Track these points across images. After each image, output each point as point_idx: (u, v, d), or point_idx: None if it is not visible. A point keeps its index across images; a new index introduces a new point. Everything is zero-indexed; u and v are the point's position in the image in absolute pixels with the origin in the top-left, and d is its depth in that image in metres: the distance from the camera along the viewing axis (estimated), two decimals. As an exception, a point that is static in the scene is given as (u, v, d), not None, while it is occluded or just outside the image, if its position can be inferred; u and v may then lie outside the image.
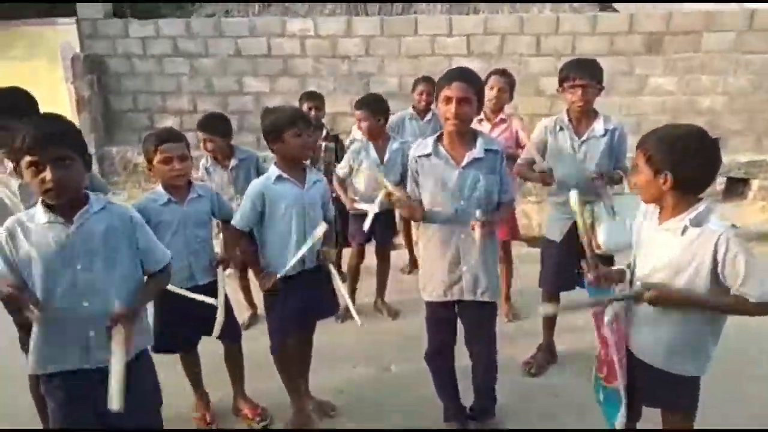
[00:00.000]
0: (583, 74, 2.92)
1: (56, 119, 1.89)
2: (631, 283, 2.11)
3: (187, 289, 2.67)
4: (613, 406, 2.16)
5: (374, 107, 3.76)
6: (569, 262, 3.05)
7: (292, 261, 2.63)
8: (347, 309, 3.93)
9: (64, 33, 6.76)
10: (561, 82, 3.02)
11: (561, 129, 3.07)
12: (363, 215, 3.83)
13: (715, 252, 1.80)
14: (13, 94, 2.42)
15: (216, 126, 3.57)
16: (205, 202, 2.78)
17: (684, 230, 1.87)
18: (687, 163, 1.83)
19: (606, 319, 2.04)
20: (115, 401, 1.80)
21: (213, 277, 2.78)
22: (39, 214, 1.86)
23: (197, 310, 2.65)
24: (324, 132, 4.32)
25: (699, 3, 6.50)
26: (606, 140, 3.00)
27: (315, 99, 4.36)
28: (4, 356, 3.02)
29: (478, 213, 2.41)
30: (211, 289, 2.74)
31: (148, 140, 2.66)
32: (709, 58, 6.25)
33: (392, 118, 4.61)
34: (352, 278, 4.10)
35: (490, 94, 3.74)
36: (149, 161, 2.66)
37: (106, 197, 2.04)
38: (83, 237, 1.88)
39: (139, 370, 2.08)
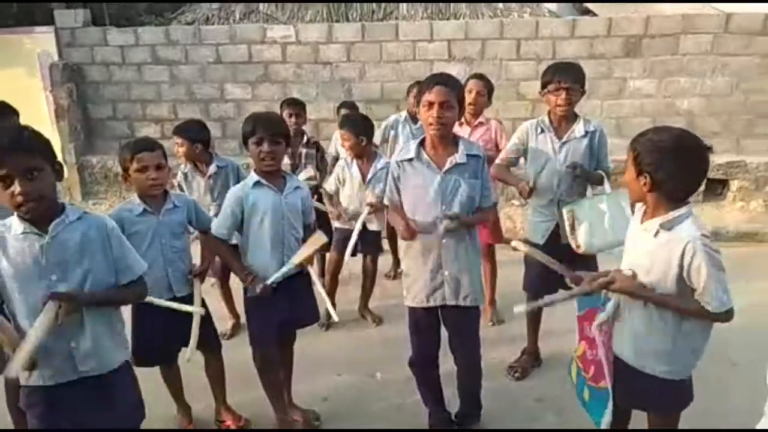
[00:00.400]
0: (567, 78, 2.94)
1: (21, 129, 1.84)
2: None
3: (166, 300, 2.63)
4: (599, 406, 2.16)
5: (357, 127, 3.74)
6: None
7: (284, 269, 2.61)
8: (329, 315, 3.95)
9: (42, 41, 6.69)
10: (544, 85, 3.03)
11: (542, 131, 3.08)
12: (345, 229, 3.83)
13: (681, 258, 1.83)
14: None
15: (187, 129, 3.53)
16: (181, 212, 2.74)
17: (657, 232, 1.90)
18: (666, 168, 1.85)
19: (596, 322, 2.05)
20: (12, 369, 1.72)
21: (191, 289, 2.75)
22: (15, 224, 1.83)
23: (175, 322, 2.62)
24: (305, 139, 4.31)
25: (676, 2, 6.60)
26: (586, 141, 3.02)
27: (295, 106, 4.34)
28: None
29: (458, 210, 2.44)
30: (190, 301, 2.71)
31: (124, 149, 2.63)
32: (687, 61, 6.34)
33: (386, 122, 4.62)
34: (330, 285, 4.06)
35: (468, 97, 3.74)
36: (125, 170, 2.63)
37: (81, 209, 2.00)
38: (58, 247, 1.85)
39: (120, 384, 2.05)
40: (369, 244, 3.95)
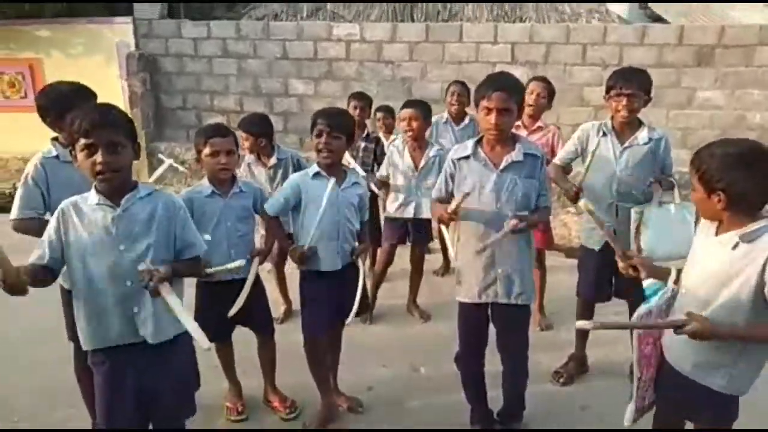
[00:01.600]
0: (631, 84, 2.90)
1: (111, 108, 2.00)
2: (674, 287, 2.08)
3: (226, 282, 2.74)
4: None
5: (254, 127, 3.66)
6: (607, 271, 3.03)
7: (314, 231, 2.66)
8: (371, 311, 4.01)
9: (120, 32, 7.04)
10: (608, 89, 3.00)
11: (604, 134, 3.05)
12: (397, 219, 3.89)
13: (763, 270, 1.76)
14: (78, 89, 2.57)
15: (253, 125, 3.65)
16: (248, 197, 2.87)
17: (735, 245, 1.82)
18: (740, 182, 1.77)
19: (636, 313, 2.00)
20: (204, 341, 1.97)
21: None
22: (92, 196, 1.98)
23: (232, 300, 2.73)
24: (365, 132, 4.38)
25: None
26: (649, 148, 2.97)
27: (361, 99, 4.46)
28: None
29: (513, 208, 2.47)
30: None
31: (199, 133, 2.79)
32: (762, 73, 6.08)
33: None
34: (378, 278, 4.15)
35: (529, 98, 3.72)
36: (198, 153, 2.78)
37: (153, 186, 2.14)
38: (128, 220, 1.98)
39: (177, 353, 2.17)
40: (419, 233, 3.99)
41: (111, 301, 2.00)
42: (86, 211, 1.97)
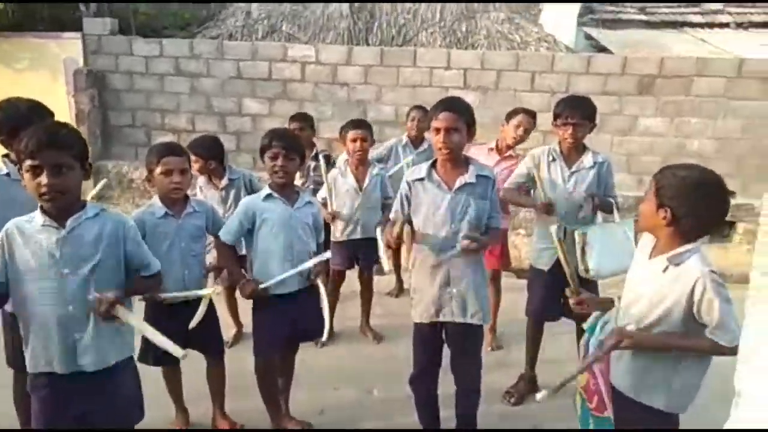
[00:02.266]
0: (576, 113, 3.04)
1: (61, 127, 1.95)
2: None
3: (173, 304, 2.68)
4: None
5: (206, 150, 3.58)
6: (556, 291, 3.10)
7: (281, 276, 2.66)
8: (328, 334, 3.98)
9: (69, 47, 6.85)
10: (555, 117, 3.13)
11: (553, 159, 3.17)
12: (343, 242, 3.87)
13: (692, 294, 1.84)
14: (34, 106, 2.50)
15: (202, 147, 3.56)
16: (200, 216, 2.82)
17: (665, 268, 1.92)
18: (688, 206, 1.86)
19: (591, 349, 2.07)
20: (177, 350, 2.02)
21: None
22: (37, 216, 1.92)
23: (183, 324, 2.65)
24: (313, 152, 4.38)
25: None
26: (594, 172, 3.12)
27: (301, 120, 4.37)
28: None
29: (466, 228, 2.51)
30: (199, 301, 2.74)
31: (152, 152, 2.72)
32: (699, 102, 6.40)
33: (384, 145, 4.71)
34: (331, 300, 4.10)
35: (515, 131, 3.82)
36: (150, 171, 2.71)
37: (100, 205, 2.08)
38: (72, 242, 1.93)
39: (119, 381, 2.11)
40: (366, 254, 3.99)
41: (53, 325, 1.94)
42: (31, 232, 1.92)
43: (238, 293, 3.84)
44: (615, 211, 3.14)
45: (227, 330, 3.84)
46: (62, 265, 1.92)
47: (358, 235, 3.90)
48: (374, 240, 3.63)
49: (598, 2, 9.38)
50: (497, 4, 8.10)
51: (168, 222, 2.70)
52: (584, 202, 3.08)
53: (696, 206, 1.87)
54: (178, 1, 8.31)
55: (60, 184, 1.85)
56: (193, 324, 2.61)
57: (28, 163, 1.83)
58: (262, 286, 2.67)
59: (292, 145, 2.73)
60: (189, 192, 2.85)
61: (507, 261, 4.18)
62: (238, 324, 4.03)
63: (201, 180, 3.70)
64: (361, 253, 3.99)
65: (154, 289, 2.32)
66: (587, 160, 3.12)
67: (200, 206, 2.87)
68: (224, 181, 3.66)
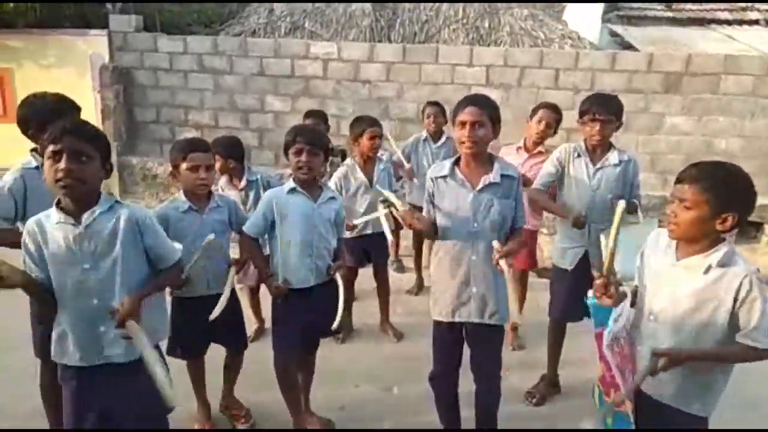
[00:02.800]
0: (603, 110, 3.00)
1: (86, 123, 1.97)
2: (632, 304, 2.10)
3: (201, 297, 2.72)
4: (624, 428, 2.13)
5: (227, 149, 3.60)
6: (579, 291, 3.05)
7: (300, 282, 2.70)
8: (348, 330, 3.99)
9: (95, 44, 6.94)
10: (582, 114, 3.09)
11: (578, 156, 3.13)
12: (354, 238, 3.86)
13: (738, 291, 1.81)
14: (62, 101, 2.53)
15: (224, 146, 3.58)
16: (223, 212, 2.85)
17: (708, 269, 1.86)
18: (749, 207, 1.84)
19: (605, 343, 2.03)
20: (167, 392, 1.92)
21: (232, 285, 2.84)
22: (53, 213, 1.94)
23: (208, 314, 2.66)
24: (329, 148, 4.39)
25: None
26: (620, 170, 3.07)
27: (316, 116, 4.50)
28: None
29: (496, 244, 2.42)
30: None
31: (178, 147, 2.75)
32: (727, 101, 6.28)
33: (407, 142, 4.77)
34: (349, 297, 4.13)
35: (537, 127, 3.79)
36: (175, 167, 2.73)
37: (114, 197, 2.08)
38: (90, 237, 1.94)
39: (146, 373, 2.12)
40: (378, 250, 4.01)
41: (77, 319, 1.97)
42: (49, 229, 1.94)
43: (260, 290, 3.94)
44: (639, 212, 3.09)
45: (249, 325, 3.88)
46: (82, 260, 1.94)
47: (369, 231, 3.91)
48: (383, 235, 3.62)
49: (623, 1, 9.25)
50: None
51: (191, 216, 2.74)
52: (608, 203, 3.03)
53: (751, 204, 1.84)
54: (200, 1, 8.38)
55: (78, 170, 1.85)
56: (215, 314, 2.62)
57: (50, 149, 1.84)
58: (280, 280, 2.70)
59: (316, 141, 2.73)
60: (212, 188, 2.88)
61: (535, 261, 4.15)
62: (260, 320, 4.06)
63: (222, 180, 3.72)
64: (372, 250, 4.00)
65: (175, 281, 2.31)
66: (613, 157, 3.07)
67: (223, 201, 2.90)
68: (243, 182, 3.68)
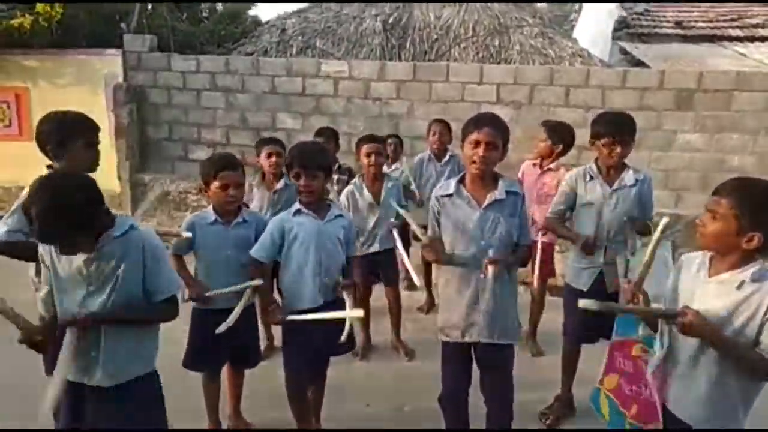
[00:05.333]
0: (623, 133, 2.96)
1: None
2: (655, 325, 2.08)
3: (221, 310, 2.67)
4: None
5: (382, 142, 3.91)
6: (595, 313, 3.01)
7: (309, 317, 2.64)
8: (365, 347, 3.98)
9: (110, 63, 7.05)
10: (597, 135, 3.02)
11: (591, 179, 3.09)
12: (363, 256, 3.85)
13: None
14: (82, 119, 2.56)
15: (280, 143, 3.85)
16: (250, 227, 2.86)
17: (741, 284, 1.85)
18: None
19: (649, 368, 2.00)
20: (47, 404, 1.87)
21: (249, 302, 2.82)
22: None
23: (229, 333, 2.64)
24: (336, 165, 4.42)
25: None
26: (636, 190, 3.02)
27: (324, 134, 4.54)
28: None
29: (490, 252, 2.43)
30: (246, 314, 2.75)
31: (208, 165, 2.77)
32: (740, 117, 6.24)
33: (413, 161, 4.79)
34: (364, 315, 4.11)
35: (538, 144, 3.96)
36: (206, 183, 2.76)
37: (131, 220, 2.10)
38: (99, 262, 1.96)
39: (137, 396, 2.10)
40: (387, 268, 4.01)
41: (71, 339, 1.97)
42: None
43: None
44: (653, 232, 3.06)
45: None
46: (89, 281, 1.97)
47: (376, 248, 3.89)
48: (392, 252, 3.59)
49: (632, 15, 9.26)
50: (530, 19, 8.07)
51: (216, 229, 2.77)
52: (623, 224, 3.00)
53: None
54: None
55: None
56: (223, 327, 2.58)
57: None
58: (289, 318, 2.66)
59: (313, 163, 2.71)
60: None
61: (552, 270, 4.19)
62: (270, 336, 4.04)
63: (255, 180, 3.76)
64: (381, 267, 3.98)
65: (167, 316, 2.17)
66: (628, 177, 3.02)
67: (252, 217, 2.92)
68: (280, 184, 3.75)
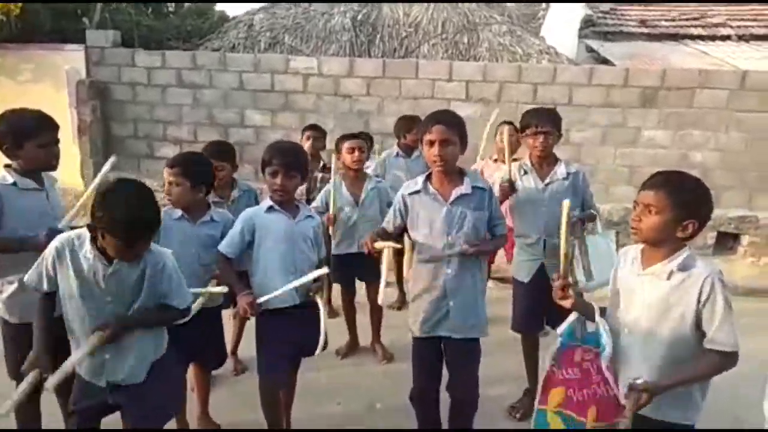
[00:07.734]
0: (545, 122, 3.06)
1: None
2: (593, 316, 2.12)
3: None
4: None
5: (365, 139, 3.89)
6: (538, 302, 3.08)
7: (279, 291, 2.59)
8: (350, 346, 3.93)
9: (72, 59, 6.86)
10: (523, 128, 3.15)
11: (525, 173, 3.18)
12: (344, 255, 3.84)
13: (700, 293, 1.84)
14: (40, 118, 2.50)
15: (227, 152, 3.43)
16: (216, 227, 2.81)
17: (670, 275, 1.91)
18: (707, 217, 1.91)
19: (604, 364, 2.02)
20: (49, 383, 2.00)
21: (213, 303, 2.82)
22: (87, 245, 2.00)
23: (194, 333, 2.61)
24: (320, 164, 4.39)
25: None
26: (569, 183, 3.12)
27: (316, 131, 4.53)
28: None
29: (464, 246, 2.51)
30: (207, 315, 2.73)
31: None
32: (702, 114, 6.39)
33: (380, 157, 4.75)
34: (349, 315, 4.10)
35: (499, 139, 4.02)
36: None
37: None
38: (118, 278, 2.03)
39: (148, 387, 2.18)
40: (368, 268, 3.92)
41: (84, 344, 2.04)
42: (81, 258, 2.00)
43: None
44: (598, 222, 3.18)
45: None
46: (106, 294, 2.02)
47: (354, 250, 3.83)
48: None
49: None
50: (499, 17, 8.13)
51: (181, 225, 2.73)
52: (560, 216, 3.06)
53: (708, 216, 1.91)
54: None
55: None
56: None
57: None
58: (259, 300, 2.60)
59: (293, 162, 2.67)
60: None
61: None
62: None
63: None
64: (361, 269, 3.92)
65: (171, 318, 2.27)
66: (560, 171, 3.13)
67: (219, 216, 2.86)
68: (235, 193, 3.49)
